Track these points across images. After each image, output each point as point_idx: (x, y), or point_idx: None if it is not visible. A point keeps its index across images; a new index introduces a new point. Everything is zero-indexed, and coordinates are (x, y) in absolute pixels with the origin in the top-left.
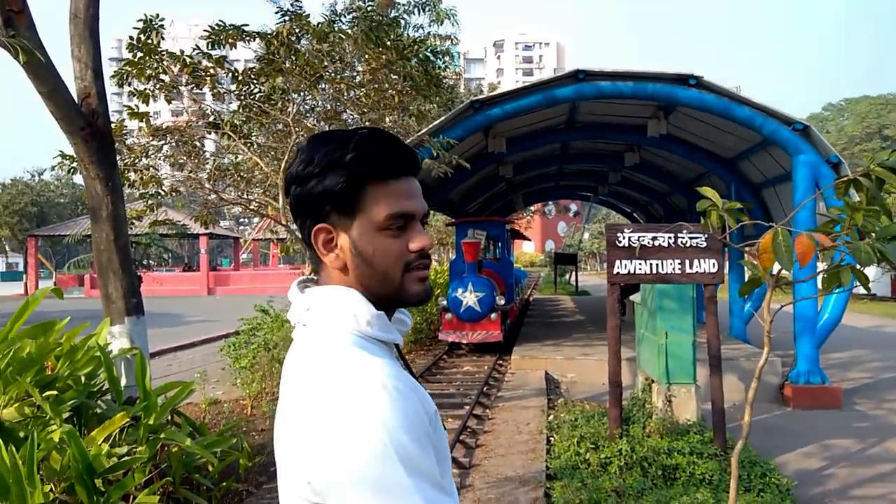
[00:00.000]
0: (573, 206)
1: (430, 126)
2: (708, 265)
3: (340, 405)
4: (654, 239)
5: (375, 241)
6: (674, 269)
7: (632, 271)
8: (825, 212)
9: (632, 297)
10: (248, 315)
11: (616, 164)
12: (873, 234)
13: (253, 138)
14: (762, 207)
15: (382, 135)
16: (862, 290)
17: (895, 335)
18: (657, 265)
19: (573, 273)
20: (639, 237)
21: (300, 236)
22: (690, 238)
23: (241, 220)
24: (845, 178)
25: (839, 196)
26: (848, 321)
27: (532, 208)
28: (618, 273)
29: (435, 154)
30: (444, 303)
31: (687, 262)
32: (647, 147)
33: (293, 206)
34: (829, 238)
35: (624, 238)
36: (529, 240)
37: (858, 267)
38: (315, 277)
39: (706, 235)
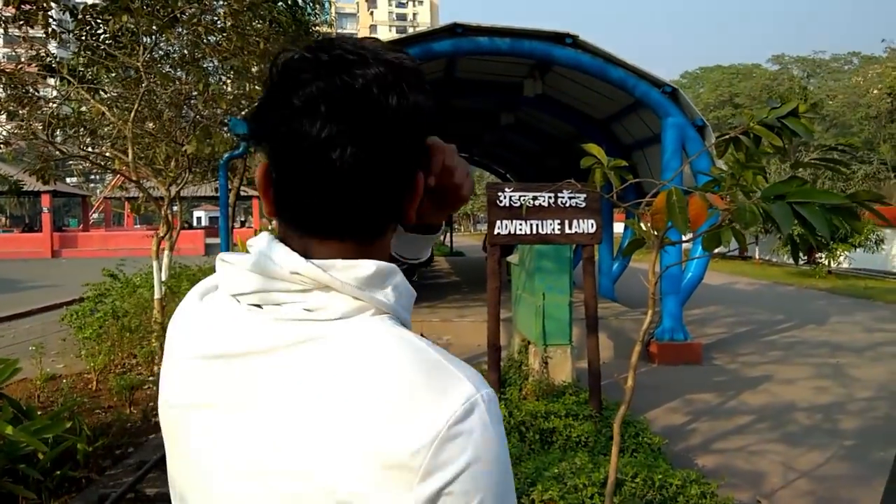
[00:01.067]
0: None
1: None
2: (587, 225)
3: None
4: (534, 199)
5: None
6: (553, 229)
7: (512, 232)
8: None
9: (508, 258)
10: (96, 280)
11: (491, 123)
12: (751, 195)
13: (102, 86)
14: (632, 169)
15: None
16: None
17: (744, 292)
18: (537, 225)
19: (448, 234)
20: (520, 196)
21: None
22: (570, 198)
23: (92, 176)
24: (726, 137)
25: (720, 155)
26: (704, 279)
27: None
28: (498, 233)
29: None
30: None
31: (566, 222)
32: (522, 107)
33: (395, 125)
34: (718, 198)
35: (505, 197)
36: None
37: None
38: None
39: (585, 195)
